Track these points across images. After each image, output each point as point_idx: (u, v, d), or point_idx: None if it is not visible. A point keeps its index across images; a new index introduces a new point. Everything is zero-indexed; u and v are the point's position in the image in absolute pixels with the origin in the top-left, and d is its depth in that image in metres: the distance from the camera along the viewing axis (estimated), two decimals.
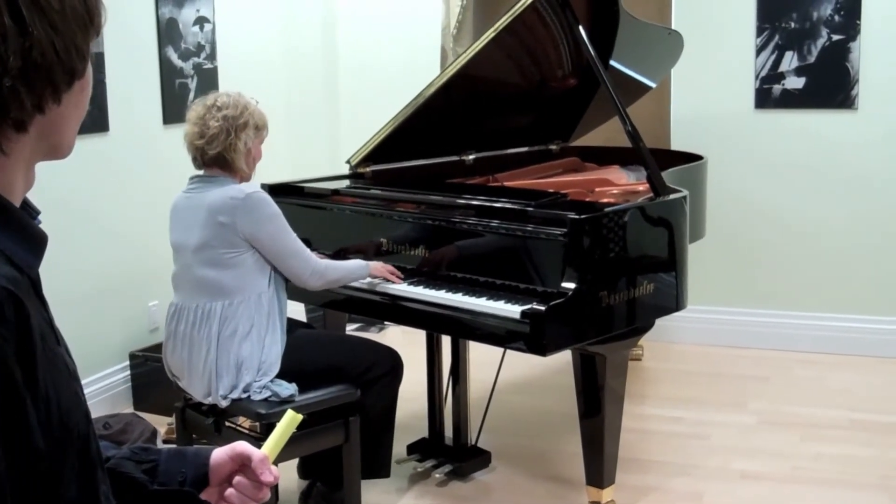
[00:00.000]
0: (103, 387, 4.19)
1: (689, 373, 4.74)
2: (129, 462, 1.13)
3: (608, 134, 4.56)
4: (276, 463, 1.18)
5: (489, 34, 3.50)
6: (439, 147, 4.06)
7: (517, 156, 4.43)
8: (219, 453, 1.16)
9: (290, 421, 1.18)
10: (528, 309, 2.79)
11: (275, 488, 3.21)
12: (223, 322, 2.90)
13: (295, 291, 3.40)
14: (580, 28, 3.50)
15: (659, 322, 4.92)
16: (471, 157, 4.14)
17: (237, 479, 1.16)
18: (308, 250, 3.05)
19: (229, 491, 1.16)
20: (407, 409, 3.93)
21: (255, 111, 3.03)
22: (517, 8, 3.46)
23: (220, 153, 2.96)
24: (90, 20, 0.97)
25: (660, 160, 4.09)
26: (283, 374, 2.95)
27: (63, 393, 0.91)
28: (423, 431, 3.68)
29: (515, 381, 4.47)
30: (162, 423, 4.00)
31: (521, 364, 4.08)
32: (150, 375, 4.16)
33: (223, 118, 2.94)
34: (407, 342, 4.07)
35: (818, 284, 4.98)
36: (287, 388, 2.88)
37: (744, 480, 3.52)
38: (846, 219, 4.90)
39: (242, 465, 1.16)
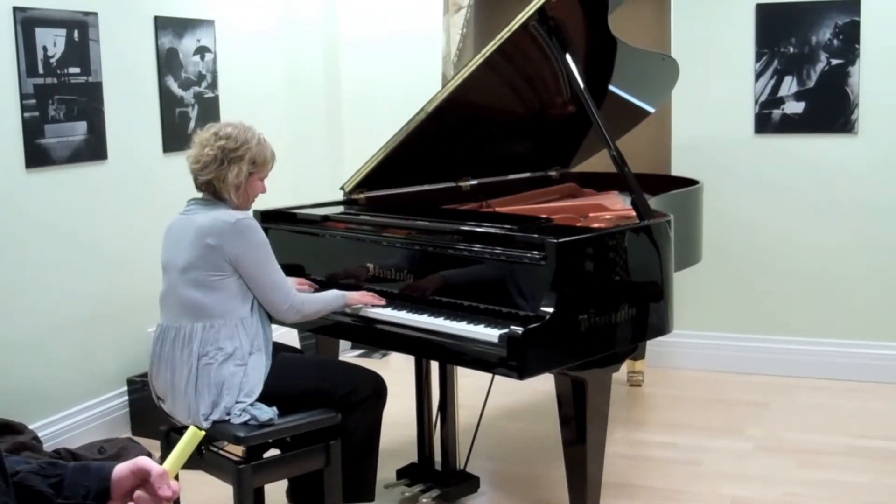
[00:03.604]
0: (101, 412, 4.24)
1: (690, 398, 4.71)
2: (35, 476, 1.15)
3: (609, 160, 4.56)
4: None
5: (477, 59, 3.52)
6: (438, 173, 4.08)
7: (516, 182, 4.45)
8: (121, 468, 1.19)
9: (191, 437, 1.20)
10: (506, 332, 2.79)
11: None
12: (204, 344, 2.94)
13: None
14: (566, 55, 3.52)
15: (660, 348, 4.97)
16: (469, 183, 4.16)
17: (137, 493, 1.18)
18: (289, 284, 3.08)
19: None
20: (399, 433, 3.94)
21: (256, 147, 3.07)
22: (504, 33, 3.48)
23: (210, 181, 3.04)
24: None
25: (658, 185, 4.11)
26: (265, 398, 2.96)
27: None
28: (413, 456, 3.68)
29: (505, 406, 4.48)
30: (158, 448, 4.02)
31: (510, 389, 4.06)
32: (147, 400, 4.14)
33: (219, 148, 3.01)
34: (408, 368, 4.06)
35: (820, 309, 4.94)
36: (266, 412, 2.90)
37: None
38: (848, 243, 4.87)
39: (143, 479, 1.18)
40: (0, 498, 1.01)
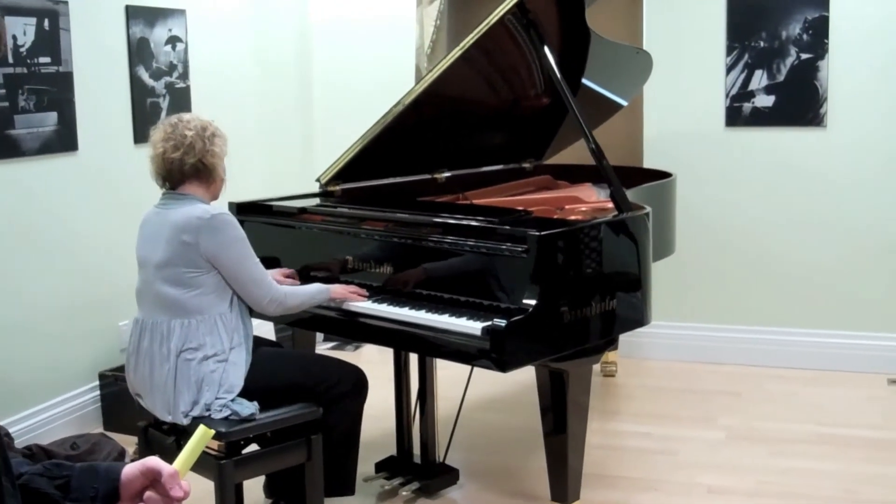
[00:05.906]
0: (72, 406, 4.19)
1: (662, 389, 4.75)
2: (41, 478, 1.13)
3: (583, 152, 4.58)
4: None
5: (455, 52, 3.52)
6: (413, 165, 4.07)
7: (491, 174, 4.45)
8: (130, 468, 1.17)
9: (201, 436, 1.18)
10: (489, 325, 2.80)
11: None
12: (183, 340, 2.91)
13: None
14: (545, 48, 3.53)
15: (633, 338, 5.00)
16: (444, 175, 4.16)
17: (147, 493, 1.16)
18: (269, 277, 3.06)
19: None
20: (377, 426, 3.94)
21: (217, 126, 3.07)
22: (483, 27, 3.48)
23: (200, 160, 2.98)
24: None
25: (631, 178, 4.13)
26: (246, 393, 2.94)
27: None
28: (392, 449, 3.68)
29: (483, 399, 4.49)
30: (131, 443, 3.97)
31: (489, 381, 4.09)
32: (119, 395, 4.15)
33: (194, 128, 2.99)
34: (382, 360, 4.08)
35: (790, 300, 5.01)
36: (247, 407, 2.87)
37: (709, 495, 3.53)
38: (816, 234, 4.94)
39: (153, 480, 1.16)
40: (8, 501, 1.00)
